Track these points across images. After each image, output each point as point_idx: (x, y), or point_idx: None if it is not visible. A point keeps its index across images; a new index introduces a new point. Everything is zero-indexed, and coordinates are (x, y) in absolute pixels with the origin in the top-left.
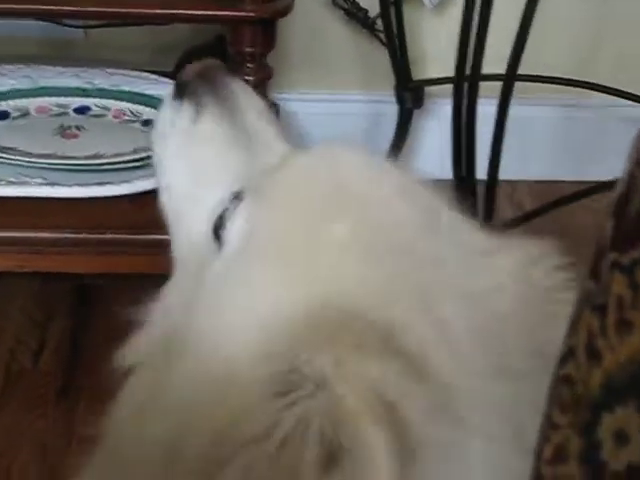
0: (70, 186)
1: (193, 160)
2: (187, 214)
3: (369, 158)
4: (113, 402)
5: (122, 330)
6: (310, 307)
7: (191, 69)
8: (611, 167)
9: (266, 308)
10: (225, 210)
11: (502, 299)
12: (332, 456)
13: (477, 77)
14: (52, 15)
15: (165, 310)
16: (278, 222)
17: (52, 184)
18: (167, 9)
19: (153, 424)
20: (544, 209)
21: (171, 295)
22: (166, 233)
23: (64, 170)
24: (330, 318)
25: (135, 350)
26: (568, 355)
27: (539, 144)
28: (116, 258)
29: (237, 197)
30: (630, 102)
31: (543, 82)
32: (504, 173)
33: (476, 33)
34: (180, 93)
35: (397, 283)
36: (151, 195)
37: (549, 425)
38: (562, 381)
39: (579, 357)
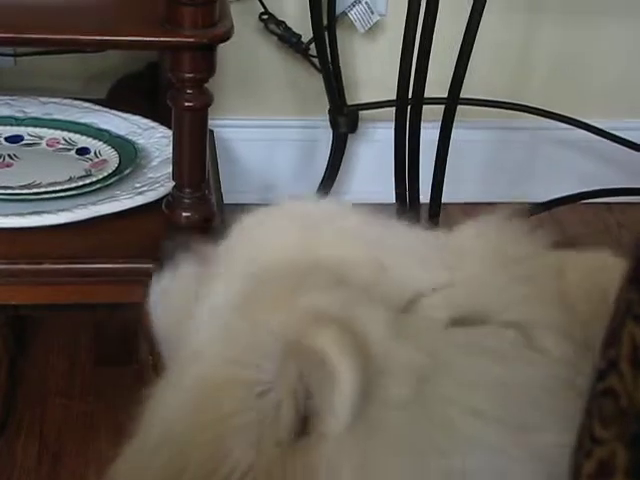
0: (6, 216)
1: None
2: None
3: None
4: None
5: (60, 360)
6: None
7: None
8: (544, 188)
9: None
10: None
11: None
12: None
13: (420, 100)
14: None
15: None
16: None
17: None
18: (105, 35)
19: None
20: None
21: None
22: (103, 262)
23: None
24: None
25: None
26: (609, 368)
27: (472, 166)
28: (54, 288)
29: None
30: (561, 124)
31: (480, 105)
32: None
33: (417, 56)
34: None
35: None
36: (88, 224)
37: (590, 440)
38: (603, 394)
39: (622, 369)
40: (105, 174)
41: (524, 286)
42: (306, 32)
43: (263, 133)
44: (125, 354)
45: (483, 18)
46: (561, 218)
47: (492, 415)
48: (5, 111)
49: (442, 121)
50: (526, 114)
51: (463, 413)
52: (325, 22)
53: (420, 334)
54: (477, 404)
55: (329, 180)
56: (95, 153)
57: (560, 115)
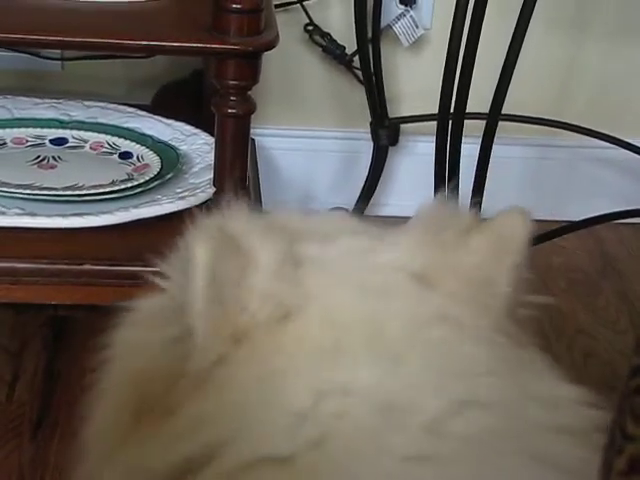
0: (50, 216)
1: None
2: None
3: None
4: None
5: (96, 362)
6: None
7: None
8: (582, 207)
9: None
10: None
11: None
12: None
13: (462, 115)
14: (31, 45)
15: None
16: None
17: (32, 214)
18: (152, 41)
19: None
20: None
21: None
22: (143, 265)
23: (42, 201)
24: None
25: None
26: None
27: (511, 182)
28: (93, 290)
29: None
30: (602, 143)
31: (521, 122)
32: None
33: (460, 71)
34: None
35: None
36: (129, 227)
37: (622, 436)
38: (635, 392)
39: None
40: (147, 178)
41: None
42: (350, 44)
43: (304, 143)
44: None
45: (527, 35)
46: (601, 237)
47: None
48: (51, 114)
49: (483, 136)
50: (567, 132)
51: None
52: (370, 35)
53: None
54: None
55: (368, 192)
56: (138, 157)
57: (601, 133)
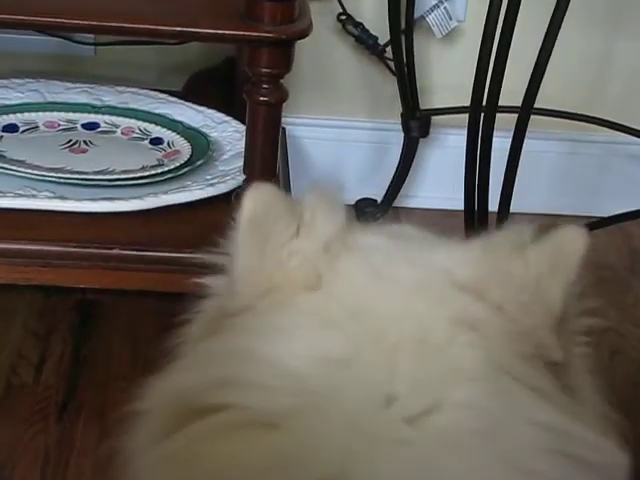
0: (80, 200)
1: None
2: None
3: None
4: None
5: (123, 346)
6: None
7: None
8: (613, 202)
9: None
10: None
11: None
12: None
13: (494, 108)
14: (64, 29)
15: None
16: None
17: (62, 198)
18: (185, 27)
19: None
20: None
21: None
22: (172, 251)
23: (72, 184)
24: None
25: None
26: None
27: (542, 177)
28: (122, 274)
29: None
30: (634, 139)
31: (553, 116)
32: None
33: (493, 64)
34: None
35: None
36: (158, 212)
37: None
38: None
39: None
40: (177, 164)
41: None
42: (383, 34)
43: (335, 133)
44: None
45: (561, 29)
46: (630, 233)
47: None
48: (83, 98)
49: (514, 130)
50: (599, 127)
51: None
52: (403, 25)
53: None
54: None
55: (398, 184)
56: (168, 143)
57: (633, 129)
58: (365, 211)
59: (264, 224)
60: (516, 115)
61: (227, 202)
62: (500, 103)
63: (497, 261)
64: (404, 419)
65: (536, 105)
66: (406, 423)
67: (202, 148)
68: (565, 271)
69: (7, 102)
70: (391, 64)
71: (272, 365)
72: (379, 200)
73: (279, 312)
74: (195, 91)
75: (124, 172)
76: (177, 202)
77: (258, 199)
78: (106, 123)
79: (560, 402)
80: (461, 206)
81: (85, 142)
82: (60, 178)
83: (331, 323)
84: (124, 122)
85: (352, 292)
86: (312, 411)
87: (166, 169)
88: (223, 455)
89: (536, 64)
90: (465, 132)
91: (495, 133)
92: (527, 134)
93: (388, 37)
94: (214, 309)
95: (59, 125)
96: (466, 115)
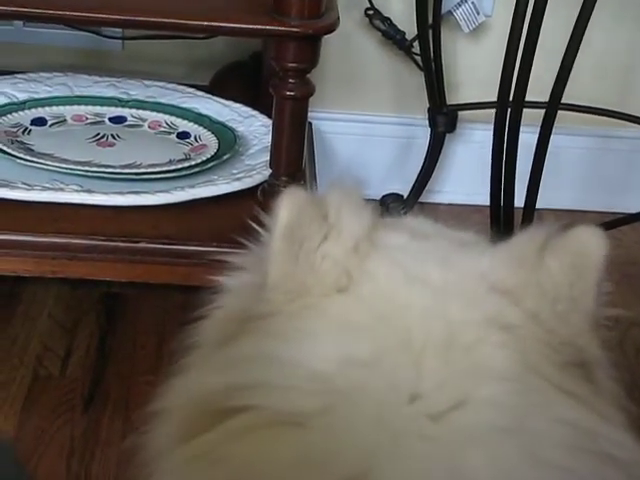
0: (107, 194)
1: None
2: None
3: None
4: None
5: (149, 339)
6: None
7: None
8: None
9: None
10: None
11: None
12: None
13: (521, 103)
14: (92, 24)
15: None
16: None
17: (89, 191)
18: (213, 21)
19: None
20: None
21: None
22: (198, 245)
23: (100, 178)
24: None
25: None
26: None
27: (568, 173)
28: (148, 267)
29: None
30: None
31: (582, 112)
32: None
33: (520, 59)
34: None
35: None
36: (185, 206)
37: None
38: None
39: None
40: (204, 158)
41: None
42: (410, 29)
43: (361, 128)
44: None
45: (589, 25)
46: None
47: None
48: (110, 92)
49: (541, 126)
50: (627, 123)
51: None
52: (430, 20)
53: None
54: None
55: (424, 179)
56: (195, 138)
57: None
58: (391, 206)
59: (298, 231)
60: (543, 110)
61: (253, 196)
62: (527, 98)
63: (528, 266)
64: (428, 415)
65: (563, 100)
66: (430, 419)
67: (229, 142)
68: (593, 274)
69: (35, 96)
70: (418, 59)
71: (299, 368)
72: (405, 195)
73: (307, 315)
74: (222, 85)
75: (151, 166)
76: (203, 196)
77: (292, 207)
78: (133, 117)
79: (587, 399)
80: (487, 202)
81: (112, 136)
82: (87, 171)
83: (359, 325)
84: (151, 116)
85: (381, 293)
86: (337, 410)
87: (193, 163)
88: (250, 454)
89: (564, 59)
90: (492, 127)
91: (522, 128)
92: (554, 129)
93: (415, 32)
94: (235, 310)
95: (87, 119)
96: (493, 110)
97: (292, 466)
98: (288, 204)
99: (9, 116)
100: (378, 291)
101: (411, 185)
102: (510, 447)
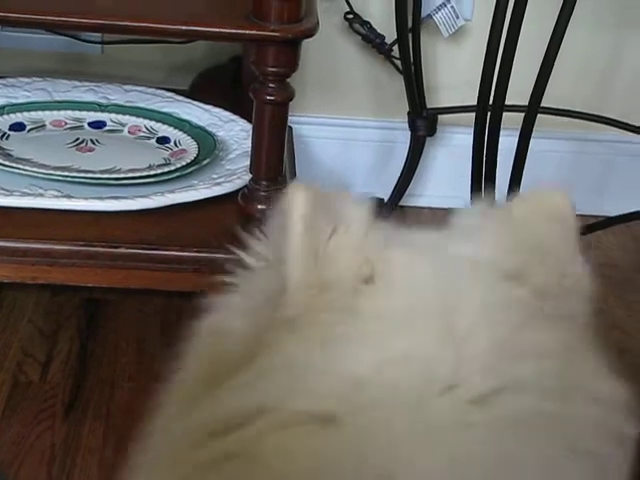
0: (87, 199)
1: None
2: None
3: None
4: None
5: (130, 345)
6: None
7: None
8: (620, 202)
9: None
10: None
11: None
12: None
13: (501, 107)
14: (71, 28)
15: None
16: None
17: (69, 196)
18: (192, 26)
19: None
20: None
21: None
22: (178, 250)
23: (79, 183)
24: None
25: None
26: None
27: (548, 176)
28: (128, 273)
29: None
30: None
31: (561, 115)
32: None
33: (500, 63)
34: None
35: None
36: (165, 211)
37: None
38: None
39: None
40: (184, 163)
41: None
42: (390, 33)
43: (341, 132)
44: None
45: (568, 29)
46: (637, 233)
47: None
48: (90, 97)
49: (521, 129)
50: (605, 126)
51: None
52: (410, 24)
53: None
54: None
55: (404, 183)
56: (175, 142)
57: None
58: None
59: (315, 227)
60: (523, 114)
61: (234, 201)
62: (507, 102)
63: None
64: (467, 401)
65: (543, 104)
66: (470, 404)
67: (209, 147)
68: (573, 237)
69: (14, 101)
70: (398, 63)
71: (331, 374)
72: (386, 199)
73: (336, 315)
74: (202, 90)
75: (131, 171)
76: (183, 201)
77: (306, 202)
78: (113, 122)
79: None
80: (468, 205)
81: (92, 141)
82: (67, 177)
83: (392, 320)
84: (131, 121)
85: (411, 281)
86: (372, 404)
87: (173, 168)
88: (282, 453)
89: (543, 63)
90: (472, 131)
91: (502, 132)
92: (534, 133)
93: (395, 36)
94: (244, 331)
95: (66, 124)
96: (473, 114)
97: (324, 463)
98: (301, 200)
99: None
100: (406, 278)
101: (392, 189)
102: (551, 433)
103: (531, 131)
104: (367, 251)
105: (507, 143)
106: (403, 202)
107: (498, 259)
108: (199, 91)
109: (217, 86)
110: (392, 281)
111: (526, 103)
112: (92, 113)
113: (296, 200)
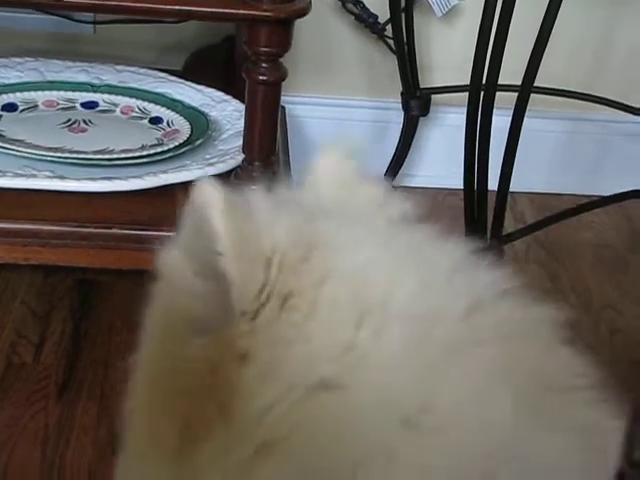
0: (79, 180)
1: None
2: None
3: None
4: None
5: (123, 325)
6: None
7: None
8: (614, 182)
9: None
10: None
11: None
12: None
13: (494, 87)
14: (64, 8)
15: None
16: None
17: (61, 177)
18: (185, 5)
19: None
20: (546, 222)
21: None
22: (171, 231)
23: (72, 164)
24: None
25: None
26: None
27: (542, 156)
28: (121, 253)
29: None
30: (635, 117)
31: (554, 95)
32: None
33: (493, 42)
34: None
35: None
36: (158, 192)
37: None
38: None
39: None
40: (176, 144)
41: None
42: (383, 13)
43: (334, 112)
44: None
45: (562, 8)
46: (630, 213)
47: None
48: (82, 77)
49: (514, 109)
50: (600, 106)
51: None
52: (403, 4)
53: None
54: None
55: (398, 162)
56: (168, 123)
57: (634, 108)
58: None
59: (240, 228)
60: (516, 94)
61: (226, 181)
62: (500, 82)
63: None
64: (460, 318)
65: (536, 84)
66: (463, 321)
67: (201, 127)
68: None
69: (6, 81)
70: (391, 43)
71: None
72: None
73: (293, 313)
74: (194, 70)
75: (123, 151)
76: (176, 181)
77: (224, 207)
78: (105, 102)
79: None
80: (461, 185)
81: (84, 121)
82: (59, 158)
83: (354, 311)
84: (123, 101)
85: (359, 272)
86: (362, 364)
87: (165, 148)
88: (295, 424)
89: (536, 42)
90: (465, 111)
91: (495, 112)
92: (527, 113)
93: (388, 16)
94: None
95: (58, 104)
96: (466, 94)
97: (344, 422)
98: (217, 206)
99: None
100: (357, 272)
101: (385, 169)
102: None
103: (524, 111)
104: (303, 230)
105: (500, 123)
106: (396, 182)
107: None
108: (192, 71)
109: (210, 66)
110: (341, 275)
111: (520, 82)
112: (84, 93)
113: (215, 215)
